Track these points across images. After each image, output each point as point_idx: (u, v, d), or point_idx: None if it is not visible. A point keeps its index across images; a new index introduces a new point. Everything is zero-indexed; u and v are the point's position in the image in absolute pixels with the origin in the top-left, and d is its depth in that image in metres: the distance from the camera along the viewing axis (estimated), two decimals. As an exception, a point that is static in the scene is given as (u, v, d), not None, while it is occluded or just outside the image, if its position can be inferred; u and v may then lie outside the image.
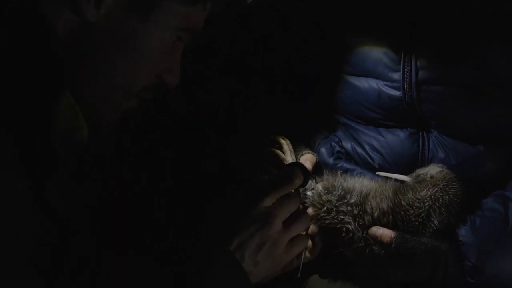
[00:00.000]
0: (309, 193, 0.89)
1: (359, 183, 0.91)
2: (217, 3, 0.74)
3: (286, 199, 0.75)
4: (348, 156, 1.08)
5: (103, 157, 0.82)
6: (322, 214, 0.87)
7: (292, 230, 0.76)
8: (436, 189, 0.89)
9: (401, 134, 1.02)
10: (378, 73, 1.00)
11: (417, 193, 0.89)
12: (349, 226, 0.87)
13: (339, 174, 0.92)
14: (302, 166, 0.79)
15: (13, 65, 0.58)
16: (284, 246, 0.75)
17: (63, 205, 0.62)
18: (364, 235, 0.87)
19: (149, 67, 0.69)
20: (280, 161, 0.96)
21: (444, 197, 0.88)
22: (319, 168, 1.01)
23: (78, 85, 0.64)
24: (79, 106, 0.64)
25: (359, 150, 1.06)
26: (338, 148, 1.08)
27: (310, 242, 0.86)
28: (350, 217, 0.88)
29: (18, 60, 0.58)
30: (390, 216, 0.88)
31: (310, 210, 0.87)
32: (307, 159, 1.00)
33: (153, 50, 0.68)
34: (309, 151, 1.03)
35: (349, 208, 0.88)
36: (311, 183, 0.90)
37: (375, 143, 1.04)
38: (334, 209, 0.87)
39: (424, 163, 0.99)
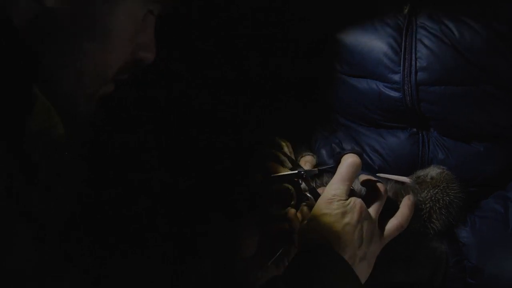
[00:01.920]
0: (310, 195, 0.88)
1: (358, 185, 0.91)
2: None
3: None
4: (348, 157, 1.08)
5: (85, 153, 0.80)
6: None
7: (374, 207, 0.80)
8: (436, 190, 0.89)
9: (401, 135, 1.02)
10: (378, 74, 1.00)
11: (418, 195, 0.89)
12: None
13: None
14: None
15: None
16: (376, 225, 0.79)
17: (46, 210, 0.60)
18: None
19: (121, 47, 0.64)
20: (280, 162, 0.95)
21: (445, 198, 0.89)
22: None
23: (47, 77, 0.60)
24: (51, 100, 0.59)
25: (359, 151, 1.06)
26: (338, 150, 1.08)
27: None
28: None
29: None
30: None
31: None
32: (307, 161, 1.00)
33: (123, 28, 0.63)
34: (309, 153, 1.03)
35: None
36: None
37: (375, 144, 1.04)
38: None
39: (424, 164, 0.99)
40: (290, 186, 0.88)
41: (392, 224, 0.81)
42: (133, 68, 0.69)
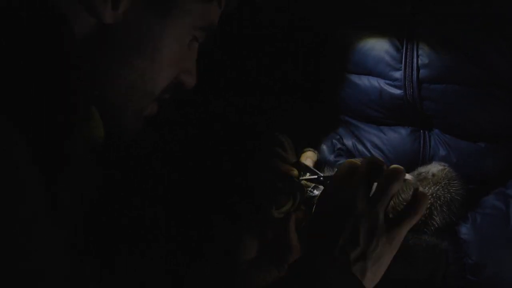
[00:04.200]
0: (316, 192, 0.88)
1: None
2: (231, 0, 0.73)
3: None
4: (349, 153, 1.08)
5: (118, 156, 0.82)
6: None
7: (380, 199, 0.69)
8: (437, 187, 0.90)
9: (403, 131, 1.02)
10: (379, 71, 1.00)
11: (419, 191, 0.89)
12: None
13: None
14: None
15: (36, 66, 0.55)
16: (383, 219, 0.68)
17: (71, 202, 0.61)
18: None
19: (168, 68, 0.68)
20: (283, 159, 0.95)
21: (446, 195, 0.89)
22: (320, 166, 1.01)
23: (96, 89, 0.62)
24: (99, 112, 0.62)
25: (360, 147, 1.06)
26: (339, 145, 1.08)
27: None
28: None
29: (43, 61, 0.55)
30: (391, 215, 0.88)
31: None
32: (308, 156, 1.00)
33: (170, 50, 0.66)
34: (310, 149, 1.03)
35: None
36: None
37: (376, 141, 1.04)
38: None
39: (425, 161, 0.99)
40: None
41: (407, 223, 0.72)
42: (174, 91, 0.72)
